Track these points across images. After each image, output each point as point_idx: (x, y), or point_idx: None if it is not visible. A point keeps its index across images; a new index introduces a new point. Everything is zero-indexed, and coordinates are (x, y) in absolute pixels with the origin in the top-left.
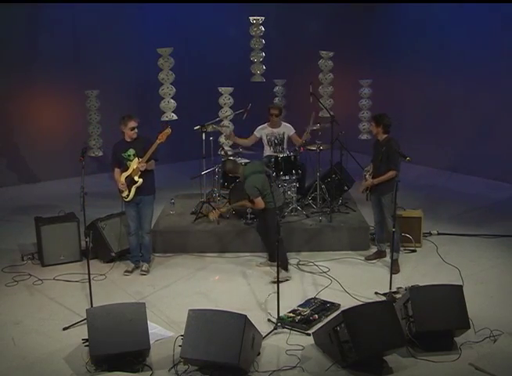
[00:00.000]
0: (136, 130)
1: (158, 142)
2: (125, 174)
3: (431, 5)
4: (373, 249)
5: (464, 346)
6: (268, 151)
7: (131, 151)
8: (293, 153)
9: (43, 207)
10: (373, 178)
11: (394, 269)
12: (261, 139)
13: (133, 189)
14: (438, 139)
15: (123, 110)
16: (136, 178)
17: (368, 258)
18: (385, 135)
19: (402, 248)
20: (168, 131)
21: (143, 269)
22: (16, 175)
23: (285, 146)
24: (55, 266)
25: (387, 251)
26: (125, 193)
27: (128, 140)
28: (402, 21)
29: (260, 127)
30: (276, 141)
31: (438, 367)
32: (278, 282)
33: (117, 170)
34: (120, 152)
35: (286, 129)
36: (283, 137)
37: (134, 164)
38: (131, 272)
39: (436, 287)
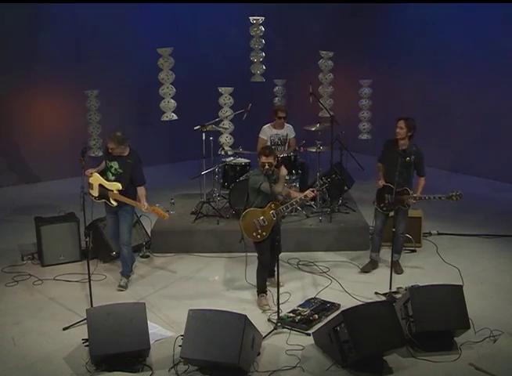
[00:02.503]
0: (111, 150)
1: (144, 209)
2: (102, 182)
3: (431, 5)
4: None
5: (464, 346)
6: None
7: (115, 164)
8: (292, 153)
9: (43, 207)
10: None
11: (399, 269)
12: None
13: (103, 200)
14: (438, 139)
15: (123, 110)
16: (112, 201)
17: (364, 270)
18: (409, 142)
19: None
20: (165, 217)
21: (121, 283)
22: (16, 175)
23: (286, 147)
24: (55, 266)
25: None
26: (94, 194)
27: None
28: (401, 21)
29: (264, 129)
30: (280, 142)
31: (438, 367)
32: (278, 282)
33: (102, 164)
34: (106, 157)
35: (289, 131)
36: (286, 138)
37: (114, 186)
38: (124, 287)
39: (436, 287)
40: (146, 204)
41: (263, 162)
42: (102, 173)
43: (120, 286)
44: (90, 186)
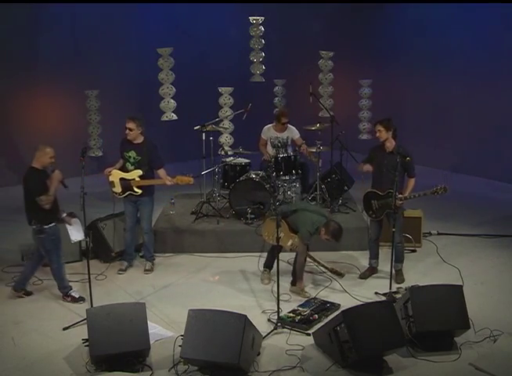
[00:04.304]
0: (129, 131)
1: (169, 182)
2: (122, 174)
3: (431, 5)
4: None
5: (464, 346)
6: (269, 152)
7: (132, 153)
8: (293, 153)
9: None
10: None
11: (400, 278)
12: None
13: (127, 193)
14: (438, 139)
15: (123, 110)
16: (136, 189)
17: (362, 277)
18: (394, 143)
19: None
20: (190, 180)
21: (146, 268)
22: (16, 175)
23: (287, 149)
24: None
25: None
26: (117, 190)
27: (133, 141)
28: (401, 21)
29: (266, 128)
30: (280, 145)
31: (438, 367)
32: (278, 282)
33: (120, 161)
34: (123, 150)
35: (291, 133)
36: (287, 141)
37: (134, 174)
38: (124, 270)
39: (436, 287)
40: (168, 177)
41: (326, 239)
42: (121, 169)
43: (146, 270)
44: (111, 184)
